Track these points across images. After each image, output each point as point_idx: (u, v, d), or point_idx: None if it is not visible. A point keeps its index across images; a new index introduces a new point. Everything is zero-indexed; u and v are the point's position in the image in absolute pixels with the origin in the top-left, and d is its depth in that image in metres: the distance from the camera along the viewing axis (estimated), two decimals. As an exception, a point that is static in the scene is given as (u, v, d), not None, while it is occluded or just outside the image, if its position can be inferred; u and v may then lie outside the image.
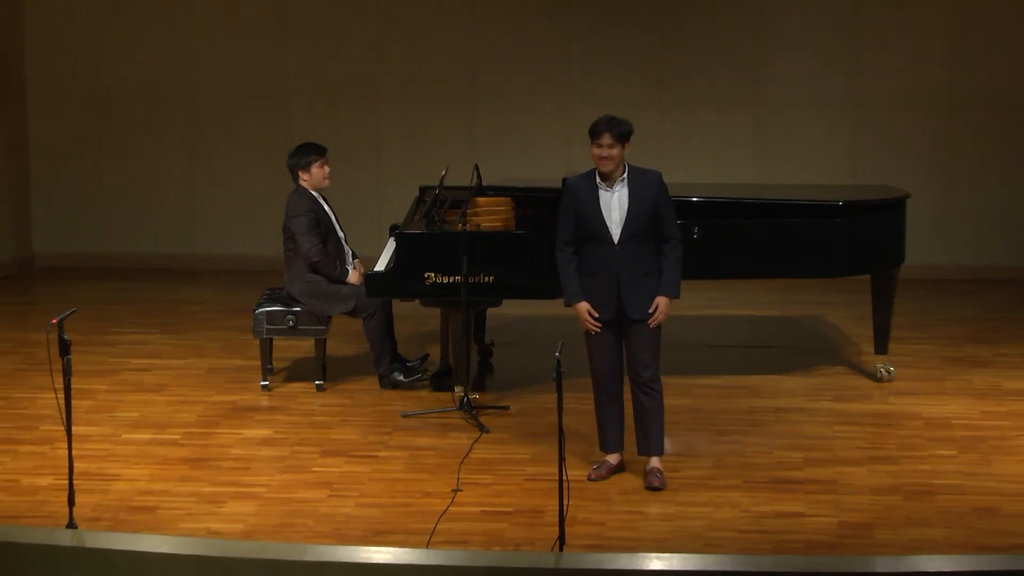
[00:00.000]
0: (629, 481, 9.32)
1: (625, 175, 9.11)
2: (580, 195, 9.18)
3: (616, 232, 9.07)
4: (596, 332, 9.10)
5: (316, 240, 10.57)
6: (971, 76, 12.84)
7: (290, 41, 13.17)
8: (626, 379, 9.29)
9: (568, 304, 9.20)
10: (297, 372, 10.92)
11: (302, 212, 10.62)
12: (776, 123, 12.91)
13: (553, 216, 10.48)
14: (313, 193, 10.70)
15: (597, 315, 9.06)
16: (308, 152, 10.74)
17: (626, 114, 12.84)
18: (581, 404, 9.93)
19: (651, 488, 9.18)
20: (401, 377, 10.68)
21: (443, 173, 10.77)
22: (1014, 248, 12.87)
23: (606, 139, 9.04)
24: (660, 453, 9.26)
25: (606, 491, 9.13)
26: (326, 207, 10.73)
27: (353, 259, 10.80)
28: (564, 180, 10.81)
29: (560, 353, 8.18)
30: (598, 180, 9.14)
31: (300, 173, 10.70)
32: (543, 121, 12.91)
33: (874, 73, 12.88)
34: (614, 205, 9.09)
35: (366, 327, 10.70)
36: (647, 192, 9.09)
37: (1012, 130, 12.82)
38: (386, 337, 10.71)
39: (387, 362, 10.70)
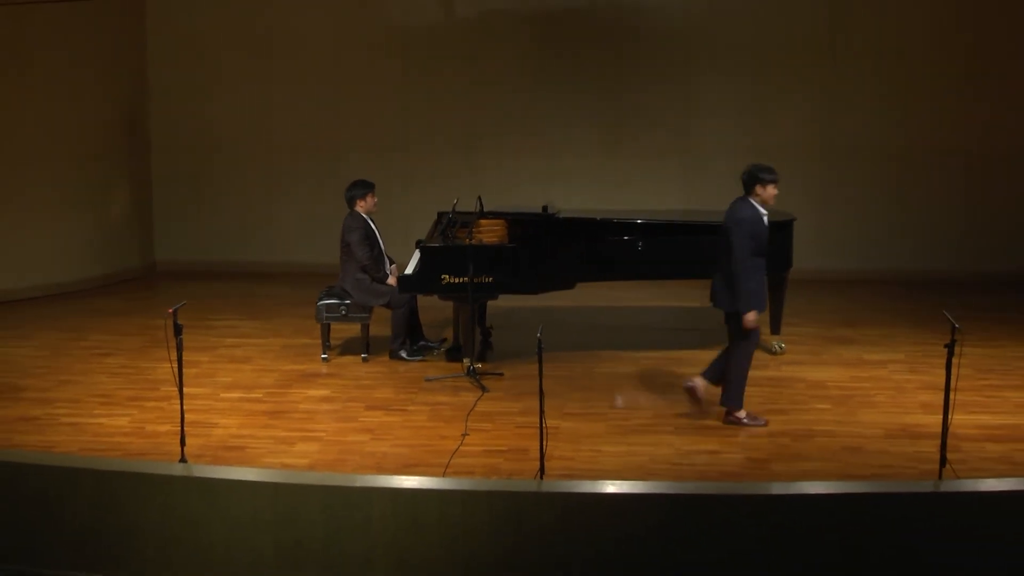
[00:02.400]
0: (591, 427, 9.31)
1: None
2: (755, 222, 9.08)
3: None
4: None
5: (367, 250, 10.58)
6: (837, 131, 12.81)
7: (342, 106, 13.14)
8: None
9: (752, 310, 9.02)
10: (348, 348, 10.90)
11: (356, 228, 10.62)
12: (698, 166, 12.88)
13: (533, 235, 10.49)
14: (364, 216, 10.69)
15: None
16: (363, 186, 10.72)
17: (585, 160, 12.94)
18: (557, 371, 9.93)
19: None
20: (404, 354, 10.68)
21: (455, 202, 10.78)
22: (870, 256, 12.86)
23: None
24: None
25: (575, 435, 9.12)
26: (373, 227, 10.72)
27: (391, 265, 10.78)
28: (544, 207, 10.80)
29: (540, 334, 8.19)
30: (760, 210, 9.09)
31: (357, 201, 10.69)
32: (527, 164, 12.89)
33: (769, 129, 12.85)
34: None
35: (394, 316, 10.69)
36: None
37: (866, 169, 12.80)
38: (405, 325, 10.70)
39: (399, 343, 10.70)
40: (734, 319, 9.18)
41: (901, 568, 7.93)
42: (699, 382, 9.43)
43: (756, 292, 9.12)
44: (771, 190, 9.17)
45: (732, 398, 9.34)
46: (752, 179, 9.18)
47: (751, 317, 9.02)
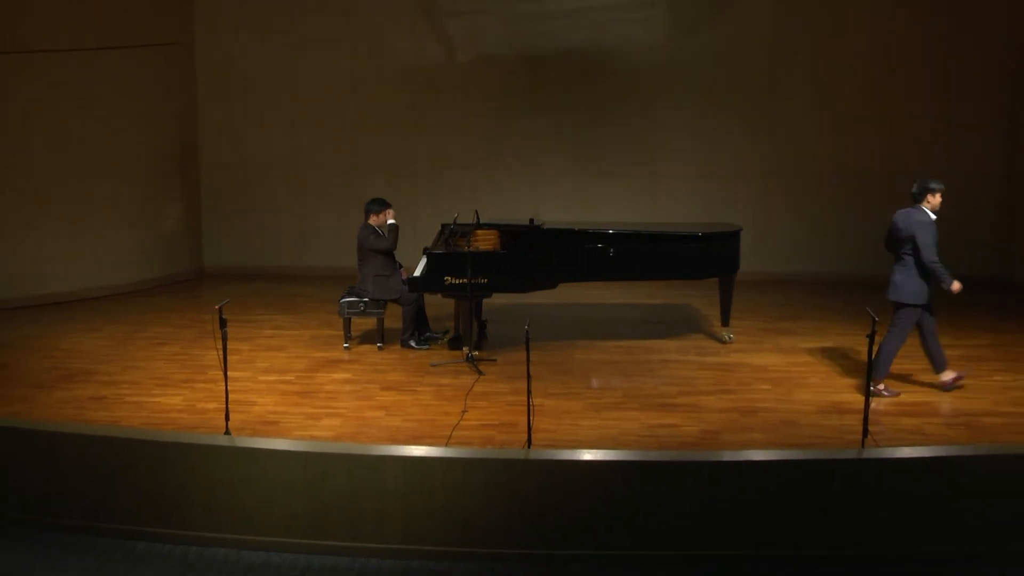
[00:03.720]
0: (570, 405, 9.29)
1: None
2: (933, 224, 9.08)
3: None
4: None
5: (383, 241, 10.55)
6: (774, 156, 12.84)
7: (360, 134, 13.14)
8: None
9: (951, 285, 9.02)
10: (365, 338, 10.90)
11: (369, 235, 10.60)
12: (659, 186, 12.90)
13: (522, 243, 10.49)
14: (377, 229, 10.66)
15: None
16: (381, 203, 10.70)
17: (565, 180, 12.94)
18: (542, 358, 9.93)
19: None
20: (413, 344, 10.66)
21: (455, 216, 10.78)
22: (803, 260, 12.89)
23: None
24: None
25: (556, 412, 9.11)
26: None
27: (400, 268, 10.78)
28: (530, 220, 10.79)
29: (528, 326, 8.19)
30: (931, 215, 9.09)
31: (372, 215, 10.67)
32: (516, 183, 12.91)
33: (718, 155, 12.88)
34: None
35: (404, 311, 10.68)
36: None
37: (799, 187, 12.84)
38: (414, 319, 10.68)
39: (409, 334, 10.68)
40: (902, 309, 9.19)
41: (830, 521, 7.96)
42: (945, 376, 9.44)
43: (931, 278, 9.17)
44: (938, 198, 9.19)
45: (878, 371, 9.32)
46: (923, 190, 9.19)
47: (956, 286, 9.06)
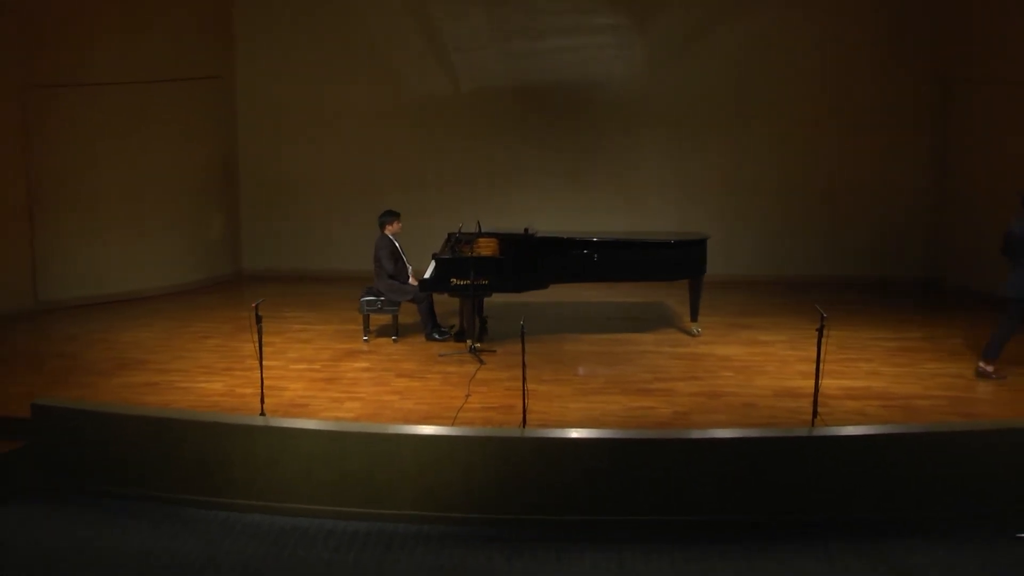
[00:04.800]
0: (560, 390, 9.28)
1: None
2: None
3: None
4: None
5: (392, 264, 10.54)
6: (738, 172, 12.82)
7: (377, 154, 13.11)
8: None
9: None
10: (382, 332, 10.89)
11: (384, 247, 10.60)
12: (637, 199, 12.87)
13: (517, 249, 10.49)
14: (391, 237, 10.66)
15: None
16: (392, 215, 10.69)
17: (555, 194, 12.90)
18: (535, 349, 9.89)
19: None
20: (436, 336, 10.63)
21: (460, 226, 10.79)
22: (762, 264, 12.86)
23: None
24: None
25: (548, 396, 9.12)
26: (397, 245, 10.69)
27: (411, 271, 10.77)
28: (525, 229, 10.80)
29: (523, 322, 8.21)
30: None
31: (386, 226, 10.66)
32: (512, 197, 12.86)
33: (688, 171, 12.86)
34: None
35: (420, 309, 10.67)
36: None
37: (760, 199, 12.79)
38: (430, 314, 10.67)
39: (429, 328, 10.66)
40: (1016, 303, 9.11)
41: (784, 490, 7.97)
42: (986, 366, 9.36)
43: None
44: None
45: (991, 352, 9.27)
46: None
47: None
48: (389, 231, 10.67)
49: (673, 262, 10.59)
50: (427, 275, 10.31)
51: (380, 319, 10.93)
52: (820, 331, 8.29)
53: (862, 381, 9.46)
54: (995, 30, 11.75)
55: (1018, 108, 11.63)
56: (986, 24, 11.86)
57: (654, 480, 7.90)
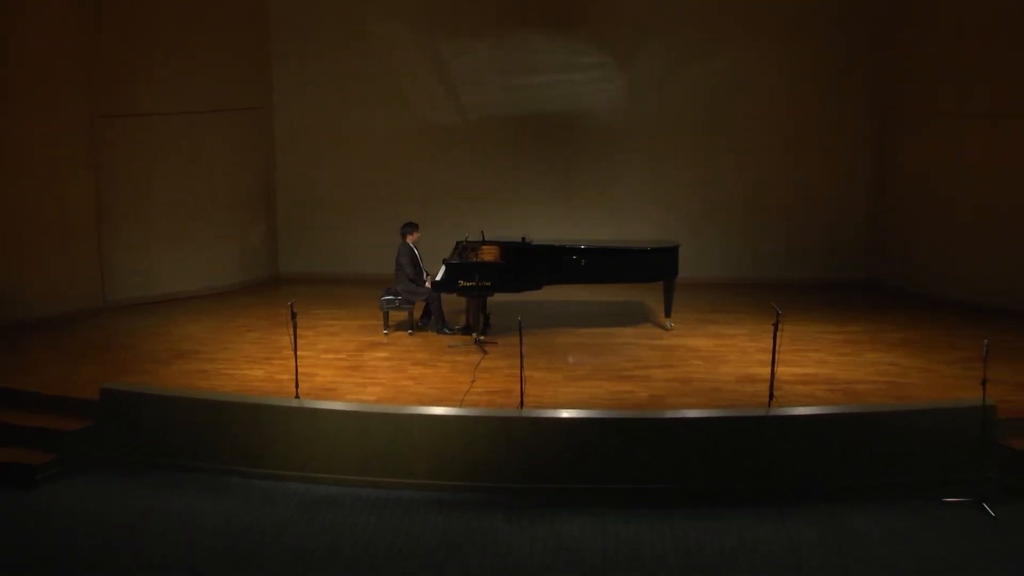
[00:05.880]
0: (552, 376, 9.26)
1: None
2: None
3: None
4: None
5: (412, 269, 10.53)
6: (707, 189, 12.80)
7: (395, 173, 13.10)
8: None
9: None
10: (400, 326, 10.86)
11: (405, 254, 10.58)
12: (619, 212, 12.83)
13: (516, 255, 10.46)
14: (411, 245, 10.66)
15: None
16: (412, 226, 10.67)
17: (548, 208, 12.82)
18: (531, 341, 9.86)
19: None
20: (447, 330, 10.61)
21: (466, 235, 10.79)
22: (727, 268, 12.85)
23: None
24: None
25: (542, 381, 9.10)
26: (416, 252, 10.68)
27: (427, 275, 10.78)
28: (523, 238, 10.81)
29: (520, 318, 8.23)
30: None
31: (407, 236, 10.65)
32: (511, 210, 12.79)
33: (663, 188, 12.83)
34: None
35: (433, 308, 10.65)
36: None
37: (726, 213, 12.76)
38: (441, 312, 10.66)
39: (440, 324, 10.63)
40: None
41: (745, 461, 7.99)
42: None
43: None
44: None
45: None
46: None
47: None
48: (410, 240, 10.67)
49: (650, 266, 10.59)
50: (438, 277, 10.31)
51: (398, 315, 10.92)
52: (776, 326, 8.33)
53: (811, 368, 9.45)
54: (924, 69, 11.79)
55: (943, 136, 11.68)
56: (916, 63, 11.90)
57: (633, 454, 7.93)
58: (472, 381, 9.12)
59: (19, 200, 10.87)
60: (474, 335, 10.30)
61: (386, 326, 10.70)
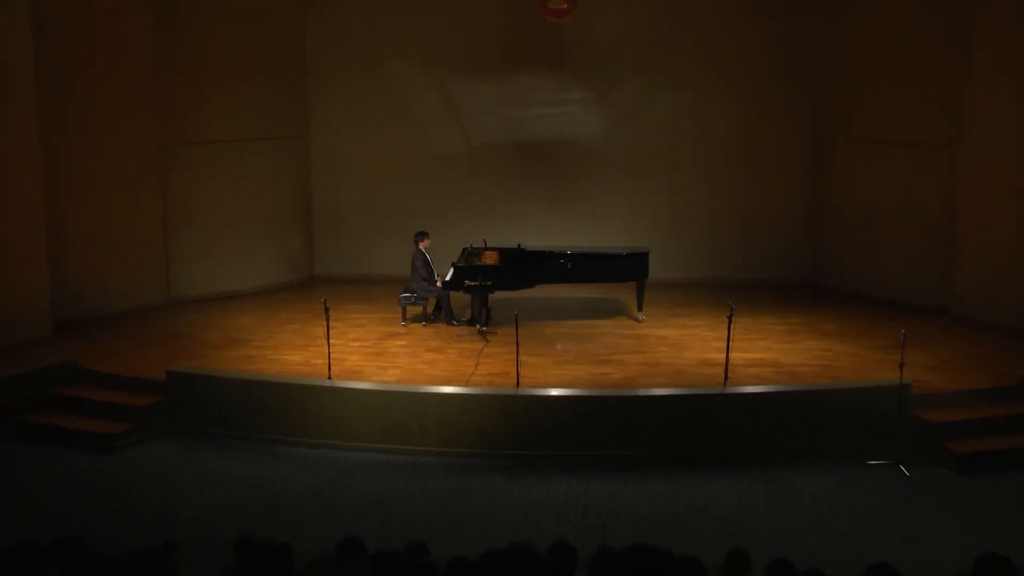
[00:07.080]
0: (543, 361, 9.23)
1: None
2: None
3: None
4: None
5: (425, 270, 10.50)
6: (675, 201, 12.75)
7: (412, 191, 13.04)
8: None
9: None
10: (415, 319, 10.80)
11: (419, 258, 10.56)
12: (600, 222, 12.73)
13: (513, 259, 10.42)
14: (423, 250, 10.66)
15: None
16: (423, 234, 10.62)
17: (539, 220, 12.70)
18: (525, 331, 9.79)
19: None
20: (455, 322, 10.58)
21: (471, 242, 10.80)
22: (691, 269, 12.77)
23: None
24: None
25: (535, 365, 9.08)
26: (428, 257, 10.63)
27: (437, 276, 10.78)
28: (518, 245, 10.83)
29: (516, 312, 8.28)
30: None
31: (419, 242, 10.62)
32: (508, 222, 12.62)
33: (638, 202, 12.81)
34: None
35: (443, 304, 10.64)
36: None
37: (690, 224, 12.62)
38: (449, 307, 10.64)
39: (449, 317, 10.59)
40: None
41: (704, 432, 8.03)
42: None
43: None
44: None
45: None
46: None
47: None
48: (422, 246, 10.67)
49: (625, 268, 10.56)
50: (447, 278, 10.31)
51: (413, 310, 10.88)
52: (730, 318, 8.40)
53: (759, 354, 9.47)
54: (847, 103, 11.88)
55: (871, 158, 11.75)
56: (840, 98, 11.98)
57: (611, 425, 8.00)
58: (476, 365, 9.16)
59: (99, 214, 10.94)
60: (478, 326, 10.32)
61: (404, 318, 10.68)
